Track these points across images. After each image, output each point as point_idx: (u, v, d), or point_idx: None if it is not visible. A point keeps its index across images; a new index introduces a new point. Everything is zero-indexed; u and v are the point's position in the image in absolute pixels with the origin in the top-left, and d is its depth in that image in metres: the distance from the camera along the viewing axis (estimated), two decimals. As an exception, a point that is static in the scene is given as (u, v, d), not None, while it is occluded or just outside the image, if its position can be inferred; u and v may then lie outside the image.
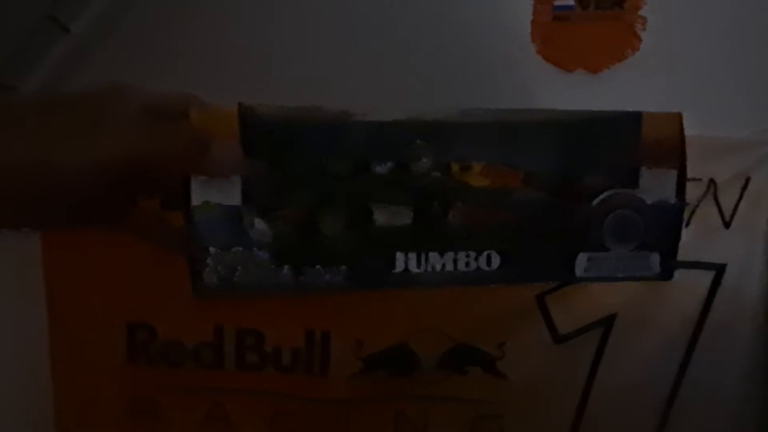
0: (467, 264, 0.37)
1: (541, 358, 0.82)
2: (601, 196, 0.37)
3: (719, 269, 0.77)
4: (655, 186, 0.37)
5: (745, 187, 0.77)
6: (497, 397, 0.83)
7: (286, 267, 0.35)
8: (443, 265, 0.37)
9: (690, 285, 0.78)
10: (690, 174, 0.82)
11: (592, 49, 0.76)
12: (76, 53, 0.65)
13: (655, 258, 0.38)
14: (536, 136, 0.36)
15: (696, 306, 0.79)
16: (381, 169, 0.36)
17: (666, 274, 0.38)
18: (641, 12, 0.74)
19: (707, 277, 0.78)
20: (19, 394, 0.81)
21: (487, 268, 0.37)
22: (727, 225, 0.77)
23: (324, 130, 0.35)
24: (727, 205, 0.77)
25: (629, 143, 0.37)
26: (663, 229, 0.38)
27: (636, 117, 0.37)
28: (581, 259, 0.38)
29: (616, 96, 0.77)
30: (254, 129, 0.35)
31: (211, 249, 0.34)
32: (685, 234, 0.82)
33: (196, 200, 0.34)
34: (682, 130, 0.37)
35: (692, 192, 0.76)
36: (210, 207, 0.34)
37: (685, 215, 0.77)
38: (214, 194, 0.34)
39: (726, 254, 0.77)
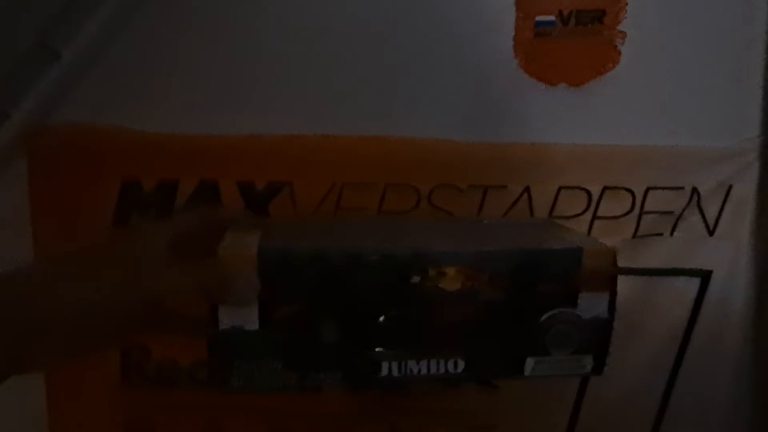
0: (437, 369, 0.45)
1: (532, 368, 0.82)
2: (547, 314, 0.46)
3: (705, 276, 0.78)
4: (591, 305, 0.47)
5: (727, 196, 0.78)
6: (490, 408, 0.84)
7: (295, 375, 0.44)
8: (419, 370, 0.45)
9: (677, 293, 0.79)
10: (673, 183, 0.83)
11: (574, 64, 0.77)
12: (67, 80, 0.66)
13: (588, 359, 0.48)
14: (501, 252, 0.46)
15: (683, 314, 0.80)
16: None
17: (597, 370, 0.49)
18: (620, 27, 0.75)
19: (694, 284, 0.79)
20: (12, 416, 0.81)
21: (453, 371, 0.46)
22: (711, 233, 0.78)
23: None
24: (711, 214, 0.78)
25: (571, 273, 0.46)
26: (595, 338, 0.48)
27: (578, 251, 0.47)
28: (529, 362, 0.47)
29: (599, 108, 0.78)
30: (270, 261, 0.42)
31: (236, 362, 0.43)
32: (670, 243, 0.83)
33: (222, 324, 0.42)
34: (615, 262, 0.47)
35: (676, 201, 0.78)
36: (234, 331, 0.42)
37: (670, 224, 0.78)
38: (237, 318, 0.42)
39: (711, 262, 0.78)
